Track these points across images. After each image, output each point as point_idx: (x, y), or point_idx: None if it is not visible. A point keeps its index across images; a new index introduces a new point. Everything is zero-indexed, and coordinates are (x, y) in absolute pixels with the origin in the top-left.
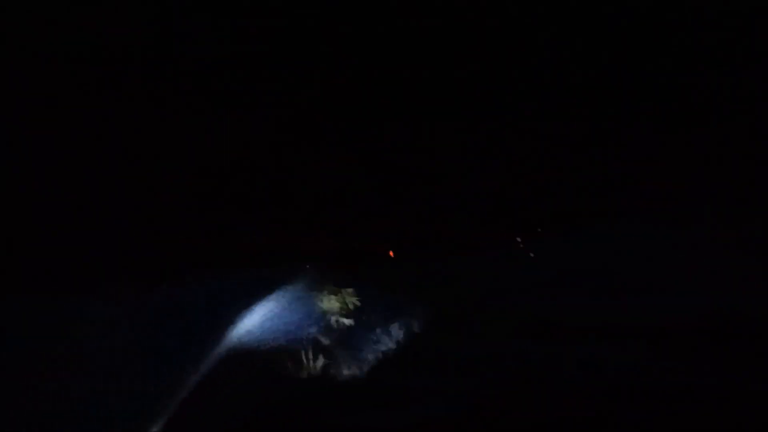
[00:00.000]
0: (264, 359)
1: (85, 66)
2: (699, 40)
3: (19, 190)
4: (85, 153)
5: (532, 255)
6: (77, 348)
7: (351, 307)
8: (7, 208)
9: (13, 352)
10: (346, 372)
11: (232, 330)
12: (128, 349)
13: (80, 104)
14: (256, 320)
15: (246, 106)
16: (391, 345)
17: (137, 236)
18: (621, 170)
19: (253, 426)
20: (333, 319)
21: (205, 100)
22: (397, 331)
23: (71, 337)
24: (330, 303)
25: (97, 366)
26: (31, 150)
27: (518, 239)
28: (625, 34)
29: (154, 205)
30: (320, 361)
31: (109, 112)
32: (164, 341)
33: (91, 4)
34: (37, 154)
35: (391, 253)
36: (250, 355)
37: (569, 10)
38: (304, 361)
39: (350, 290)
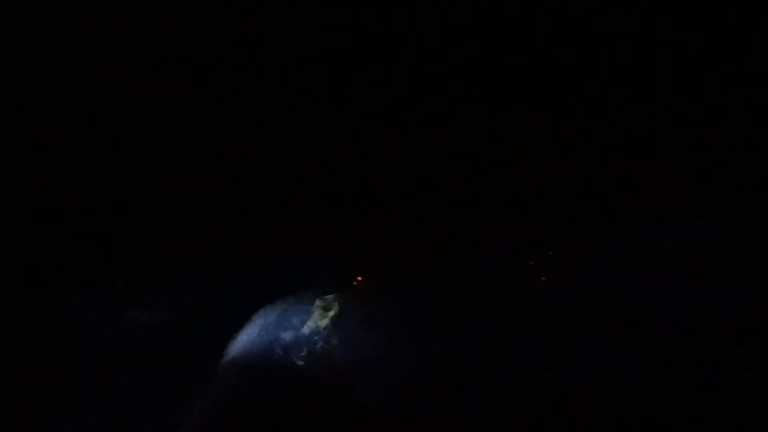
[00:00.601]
0: (266, 360)
1: (84, 66)
2: None
3: (20, 190)
4: (85, 153)
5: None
6: (78, 347)
7: (354, 308)
8: (8, 208)
9: (14, 351)
10: (347, 373)
11: (233, 330)
12: (129, 348)
13: (82, 105)
14: (259, 321)
15: (245, 106)
16: (396, 346)
17: (138, 236)
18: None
19: (254, 426)
20: (335, 321)
21: (196, 98)
22: (402, 333)
23: (72, 337)
24: (333, 305)
25: (98, 365)
26: (32, 150)
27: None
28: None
29: (155, 205)
30: (322, 363)
31: (108, 113)
32: (165, 341)
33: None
34: (38, 154)
35: None
36: (252, 356)
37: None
38: (305, 361)
39: (353, 291)
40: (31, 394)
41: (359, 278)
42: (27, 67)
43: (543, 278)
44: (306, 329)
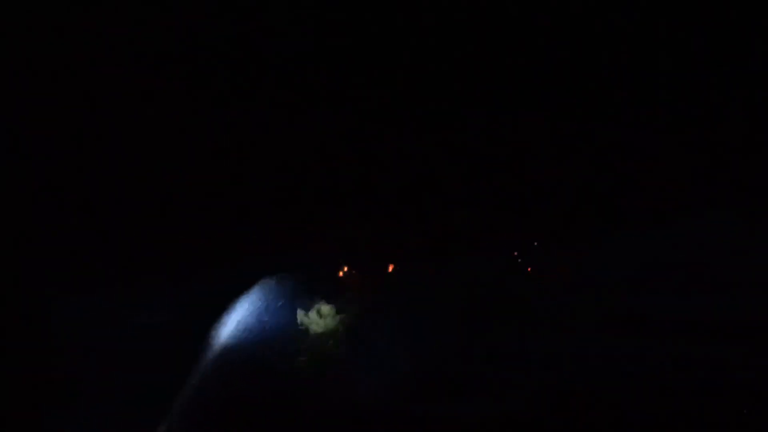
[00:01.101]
0: (265, 360)
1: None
2: None
3: (20, 190)
4: (85, 153)
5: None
6: (78, 347)
7: (354, 308)
8: (8, 208)
9: (14, 351)
10: (347, 373)
11: (233, 329)
12: (129, 348)
13: (82, 105)
14: (259, 321)
15: (245, 106)
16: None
17: (138, 237)
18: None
19: (254, 426)
20: (336, 321)
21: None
22: (405, 331)
23: (72, 337)
24: (334, 305)
25: (98, 365)
26: (32, 150)
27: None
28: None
29: (155, 206)
30: (322, 363)
31: (108, 113)
32: (165, 341)
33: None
34: (38, 154)
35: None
36: (251, 356)
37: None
38: (305, 360)
39: (353, 291)
40: (31, 394)
41: (345, 269)
42: (27, 67)
43: (542, 278)
44: (306, 329)
